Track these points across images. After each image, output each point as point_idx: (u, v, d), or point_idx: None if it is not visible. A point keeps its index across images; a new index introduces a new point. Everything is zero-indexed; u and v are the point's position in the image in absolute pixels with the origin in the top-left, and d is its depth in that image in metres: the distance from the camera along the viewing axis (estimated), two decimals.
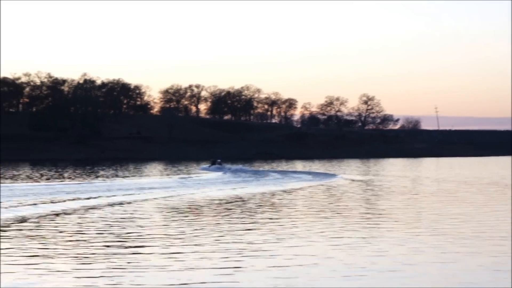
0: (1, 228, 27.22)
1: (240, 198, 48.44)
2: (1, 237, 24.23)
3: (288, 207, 41.58)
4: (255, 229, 29.13)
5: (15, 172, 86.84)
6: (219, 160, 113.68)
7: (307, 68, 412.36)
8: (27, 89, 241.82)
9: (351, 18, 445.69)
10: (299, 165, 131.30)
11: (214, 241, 25.95)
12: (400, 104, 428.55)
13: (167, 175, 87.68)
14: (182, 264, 20.91)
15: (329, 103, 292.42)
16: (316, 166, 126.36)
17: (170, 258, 22.18)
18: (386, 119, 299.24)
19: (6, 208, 35.64)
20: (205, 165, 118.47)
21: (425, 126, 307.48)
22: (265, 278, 19.21)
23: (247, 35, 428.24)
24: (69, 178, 74.83)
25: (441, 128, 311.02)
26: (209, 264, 21.38)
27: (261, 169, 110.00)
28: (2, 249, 22.14)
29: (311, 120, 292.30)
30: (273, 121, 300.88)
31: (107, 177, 79.83)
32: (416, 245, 25.86)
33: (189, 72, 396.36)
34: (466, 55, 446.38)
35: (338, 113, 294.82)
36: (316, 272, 20.28)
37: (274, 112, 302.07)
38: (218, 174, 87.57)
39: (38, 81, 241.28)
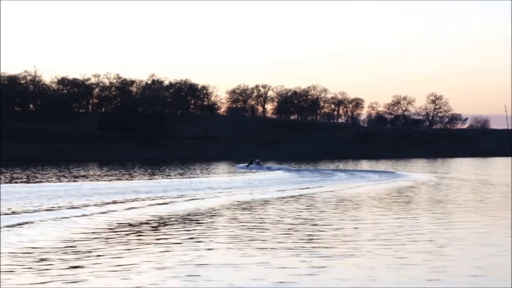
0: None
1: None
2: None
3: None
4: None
5: (90, 172, 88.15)
6: (257, 160, 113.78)
7: (374, 67, 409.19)
8: (97, 90, 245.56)
9: (418, 15, 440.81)
10: (365, 165, 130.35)
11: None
12: (469, 103, 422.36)
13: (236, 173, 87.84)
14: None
15: (396, 103, 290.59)
16: (384, 165, 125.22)
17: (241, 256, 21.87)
18: (454, 118, 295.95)
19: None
20: (242, 164, 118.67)
21: (494, 125, 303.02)
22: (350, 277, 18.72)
23: (314, 34, 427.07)
24: (176, 176, 75.44)
25: (511, 127, 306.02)
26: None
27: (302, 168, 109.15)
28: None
29: (378, 120, 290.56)
30: (340, 120, 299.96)
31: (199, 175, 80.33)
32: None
33: (255, 72, 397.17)
34: None
35: (405, 113, 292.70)
36: None
37: (341, 111, 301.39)
38: (281, 173, 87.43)
39: (107, 82, 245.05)
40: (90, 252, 21.32)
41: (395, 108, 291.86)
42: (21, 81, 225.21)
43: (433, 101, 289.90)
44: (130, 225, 28.47)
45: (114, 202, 39.19)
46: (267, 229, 27.31)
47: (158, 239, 24.24)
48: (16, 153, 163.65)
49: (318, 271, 18.46)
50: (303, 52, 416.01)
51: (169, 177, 75.48)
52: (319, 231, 26.87)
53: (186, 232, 26.32)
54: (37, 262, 19.47)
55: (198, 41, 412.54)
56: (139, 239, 24.30)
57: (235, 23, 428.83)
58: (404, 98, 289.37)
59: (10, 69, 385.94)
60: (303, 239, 24.49)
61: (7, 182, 59.06)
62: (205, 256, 20.69)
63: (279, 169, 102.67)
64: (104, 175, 77.55)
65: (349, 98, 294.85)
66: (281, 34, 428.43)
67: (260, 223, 29.56)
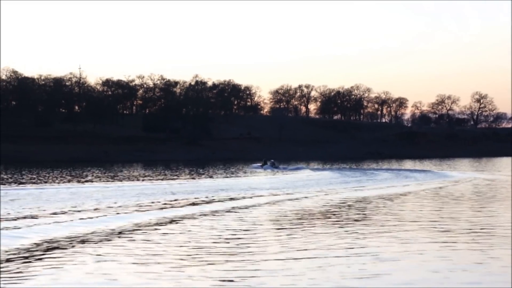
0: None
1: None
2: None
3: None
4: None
5: (135, 173, 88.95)
6: (272, 160, 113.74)
7: (418, 65, 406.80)
8: (141, 91, 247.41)
9: (459, 12, 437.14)
10: (410, 165, 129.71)
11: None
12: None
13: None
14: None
15: (440, 102, 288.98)
16: (430, 165, 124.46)
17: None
18: (499, 117, 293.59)
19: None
20: (256, 164, 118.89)
21: None
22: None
23: (357, 33, 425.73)
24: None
25: None
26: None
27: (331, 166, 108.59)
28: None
29: (422, 119, 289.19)
30: (383, 120, 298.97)
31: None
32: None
33: (299, 72, 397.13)
34: None
35: (450, 112, 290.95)
36: None
37: (384, 111, 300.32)
38: (325, 173, 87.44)
39: (151, 83, 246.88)
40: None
41: (439, 107, 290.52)
42: (67, 83, 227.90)
43: (478, 100, 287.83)
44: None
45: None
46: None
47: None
48: (62, 154, 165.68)
49: None
50: (346, 51, 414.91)
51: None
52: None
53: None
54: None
55: (241, 41, 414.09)
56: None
57: (276, 22, 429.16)
58: (449, 97, 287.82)
59: (56, 71, 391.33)
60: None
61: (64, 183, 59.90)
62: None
63: (297, 168, 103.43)
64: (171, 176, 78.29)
65: (392, 97, 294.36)
66: (324, 33, 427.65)
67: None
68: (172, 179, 70.74)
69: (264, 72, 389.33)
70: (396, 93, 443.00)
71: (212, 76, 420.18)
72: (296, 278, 17.02)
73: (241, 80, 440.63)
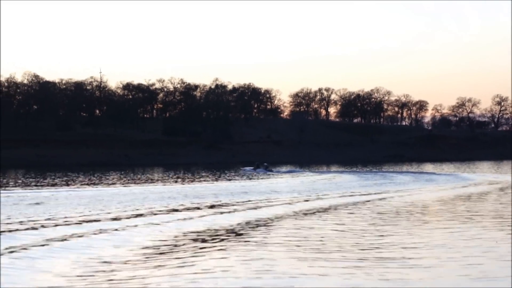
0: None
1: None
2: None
3: None
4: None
5: (160, 176, 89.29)
6: (265, 164, 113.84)
7: (438, 68, 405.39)
8: (161, 95, 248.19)
9: (482, 13, 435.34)
10: (430, 168, 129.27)
11: None
12: None
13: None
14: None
15: (461, 105, 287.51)
16: (451, 168, 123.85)
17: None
18: None
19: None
20: (248, 167, 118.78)
21: None
22: None
23: (376, 35, 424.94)
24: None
25: None
26: None
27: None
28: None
29: (442, 122, 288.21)
30: (404, 123, 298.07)
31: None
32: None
33: (318, 75, 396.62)
34: None
35: (470, 115, 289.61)
36: None
37: (405, 114, 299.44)
38: (352, 176, 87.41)
39: (171, 87, 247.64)
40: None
41: (460, 110, 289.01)
42: (88, 87, 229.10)
43: (499, 103, 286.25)
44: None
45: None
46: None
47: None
48: (83, 158, 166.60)
49: None
50: (366, 52, 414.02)
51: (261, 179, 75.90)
52: None
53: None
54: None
55: (261, 44, 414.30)
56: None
57: (295, 24, 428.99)
58: (469, 100, 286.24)
59: (77, 75, 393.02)
60: None
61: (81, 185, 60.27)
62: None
63: (290, 171, 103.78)
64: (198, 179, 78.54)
65: (413, 100, 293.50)
66: (344, 34, 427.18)
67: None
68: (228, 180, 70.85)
69: (283, 75, 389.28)
70: (416, 95, 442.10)
71: (232, 79, 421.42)
72: None
73: (261, 83, 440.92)
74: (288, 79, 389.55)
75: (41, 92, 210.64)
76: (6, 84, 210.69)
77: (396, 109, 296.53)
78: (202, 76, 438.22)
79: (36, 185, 64.33)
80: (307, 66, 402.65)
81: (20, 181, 73.08)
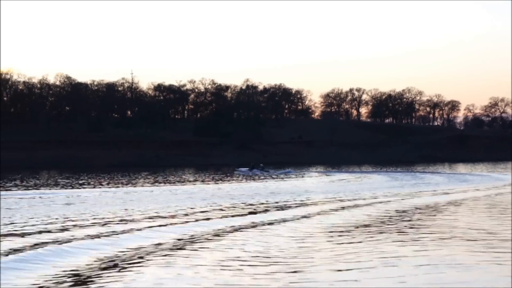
0: None
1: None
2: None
3: None
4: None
5: (190, 177, 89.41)
6: (261, 165, 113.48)
7: (470, 68, 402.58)
8: (192, 96, 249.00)
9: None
10: (463, 168, 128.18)
11: None
12: None
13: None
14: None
15: (494, 105, 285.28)
16: (484, 169, 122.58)
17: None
18: None
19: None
20: (243, 168, 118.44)
21: None
22: None
23: (408, 35, 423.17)
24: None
25: None
26: None
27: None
28: None
29: (474, 122, 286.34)
30: (435, 123, 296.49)
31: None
32: None
33: (350, 76, 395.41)
34: None
35: (503, 115, 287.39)
36: None
37: (436, 114, 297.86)
38: (381, 176, 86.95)
39: (202, 88, 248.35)
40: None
41: (493, 110, 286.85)
42: (119, 88, 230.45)
43: None
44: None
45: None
46: None
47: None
48: (114, 159, 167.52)
49: None
50: (397, 53, 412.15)
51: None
52: None
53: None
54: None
55: (292, 44, 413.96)
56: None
57: (325, 24, 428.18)
58: (502, 100, 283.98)
59: (109, 76, 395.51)
60: None
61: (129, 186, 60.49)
62: None
63: (287, 172, 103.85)
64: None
65: (445, 100, 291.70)
66: (374, 34, 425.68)
67: None
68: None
69: (314, 75, 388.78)
70: (448, 95, 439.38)
71: (263, 80, 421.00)
72: None
73: (292, 83, 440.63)
74: (319, 79, 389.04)
75: (73, 94, 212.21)
76: (38, 85, 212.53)
77: (428, 109, 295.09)
78: (233, 77, 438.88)
79: (71, 186, 64.62)
80: (338, 66, 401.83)
81: (54, 181, 73.45)
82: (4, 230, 26.28)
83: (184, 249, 21.35)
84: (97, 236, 24.16)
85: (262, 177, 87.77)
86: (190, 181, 75.87)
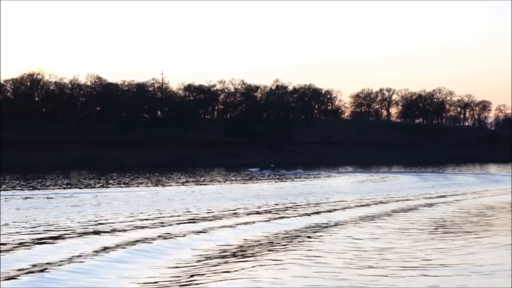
0: None
1: None
2: None
3: None
4: None
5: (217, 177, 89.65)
6: (272, 166, 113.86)
7: (501, 67, 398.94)
8: (222, 96, 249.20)
9: None
10: (493, 169, 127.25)
11: None
12: None
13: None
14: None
15: None
16: None
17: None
18: None
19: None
20: (253, 168, 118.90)
21: None
22: None
23: (436, 34, 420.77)
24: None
25: None
26: None
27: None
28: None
29: (505, 122, 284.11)
30: (466, 124, 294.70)
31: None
32: None
33: (380, 76, 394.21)
34: None
35: None
36: None
37: (467, 114, 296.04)
38: (412, 177, 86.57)
39: (232, 88, 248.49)
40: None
41: None
42: (149, 89, 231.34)
43: None
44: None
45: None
46: None
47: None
48: (144, 159, 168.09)
49: None
50: (426, 53, 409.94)
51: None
52: None
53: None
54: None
55: (321, 45, 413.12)
56: None
57: (355, 24, 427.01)
58: None
59: (139, 76, 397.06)
60: None
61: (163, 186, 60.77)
62: None
63: (298, 172, 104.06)
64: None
65: (475, 100, 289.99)
66: (402, 35, 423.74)
67: None
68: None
69: (344, 75, 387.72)
70: (479, 96, 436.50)
71: (293, 80, 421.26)
72: None
73: (321, 84, 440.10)
74: (349, 79, 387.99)
75: (104, 94, 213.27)
76: (69, 86, 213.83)
77: (459, 109, 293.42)
78: (263, 77, 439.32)
79: (107, 185, 65.12)
80: (368, 66, 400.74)
81: (86, 182, 73.98)
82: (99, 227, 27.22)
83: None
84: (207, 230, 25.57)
85: (301, 177, 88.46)
86: (235, 181, 76.10)
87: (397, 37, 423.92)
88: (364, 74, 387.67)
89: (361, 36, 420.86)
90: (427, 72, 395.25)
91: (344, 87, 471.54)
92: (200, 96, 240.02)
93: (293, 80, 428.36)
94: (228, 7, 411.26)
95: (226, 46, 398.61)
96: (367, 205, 40.28)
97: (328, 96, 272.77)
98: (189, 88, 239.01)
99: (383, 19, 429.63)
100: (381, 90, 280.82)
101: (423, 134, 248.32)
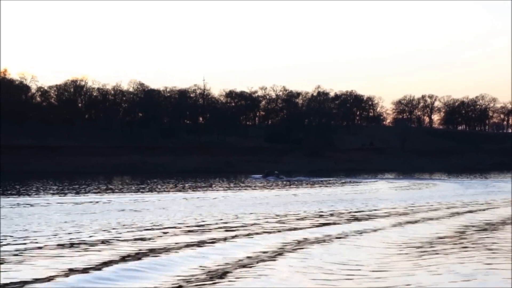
0: None
1: None
2: None
3: None
4: None
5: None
6: (276, 172, 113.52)
7: None
8: (263, 102, 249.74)
9: None
10: None
11: None
12: None
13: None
14: None
15: None
16: None
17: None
18: None
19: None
20: (257, 175, 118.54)
21: None
22: None
23: (479, 40, 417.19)
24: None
25: None
26: None
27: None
28: None
29: None
30: (510, 131, 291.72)
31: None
32: None
33: (422, 82, 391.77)
34: None
35: None
36: None
37: (511, 121, 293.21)
38: (453, 184, 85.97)
39: (273, 95, 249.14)
40: None
41: None
42: (191, 95, 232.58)
43: None
44: None
45: None
46: None
47: None
48: (186, 165, 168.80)
49: None
50: (469, 59, 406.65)
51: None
52: None
53: None
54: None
55: (362, 51, 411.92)
56: None
57: (397, 29, 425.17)
58: None
59: (181, 83, 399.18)
60: None
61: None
62: None
63: (298, 179, 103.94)
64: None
65: None
66: (446, 38, 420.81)
67: None
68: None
69: (386, 82, 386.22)
70: None
71: (334, 86, 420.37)
72: None
73: (363, 90, 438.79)
74: (391, 86, 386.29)
75: (146, 100, 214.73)
76: (112, 92, 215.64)
77: (502, 116, 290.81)
78: (304, 84, 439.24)
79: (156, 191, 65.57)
80: (410, 73, 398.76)
81: (127, 187, 74.56)
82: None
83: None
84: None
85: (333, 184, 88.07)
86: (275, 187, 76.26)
87: (439, 43, 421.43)
88: (406, 80, 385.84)
89: (404, 43, 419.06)
90: (469, 78, 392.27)
91: (385, 94, 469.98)
92: (242, 103, 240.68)
93: (335, 86, 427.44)
94: (269, 12, 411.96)
95: (269, 52, 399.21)
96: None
97: (370, 103, 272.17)
98: (230, 94, 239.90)
99: (423, 25, 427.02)
100: (423, 96, 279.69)
101: (466, 141, 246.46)
